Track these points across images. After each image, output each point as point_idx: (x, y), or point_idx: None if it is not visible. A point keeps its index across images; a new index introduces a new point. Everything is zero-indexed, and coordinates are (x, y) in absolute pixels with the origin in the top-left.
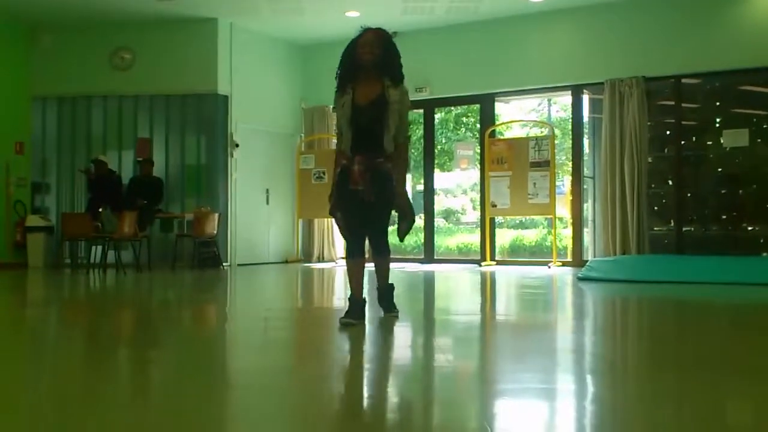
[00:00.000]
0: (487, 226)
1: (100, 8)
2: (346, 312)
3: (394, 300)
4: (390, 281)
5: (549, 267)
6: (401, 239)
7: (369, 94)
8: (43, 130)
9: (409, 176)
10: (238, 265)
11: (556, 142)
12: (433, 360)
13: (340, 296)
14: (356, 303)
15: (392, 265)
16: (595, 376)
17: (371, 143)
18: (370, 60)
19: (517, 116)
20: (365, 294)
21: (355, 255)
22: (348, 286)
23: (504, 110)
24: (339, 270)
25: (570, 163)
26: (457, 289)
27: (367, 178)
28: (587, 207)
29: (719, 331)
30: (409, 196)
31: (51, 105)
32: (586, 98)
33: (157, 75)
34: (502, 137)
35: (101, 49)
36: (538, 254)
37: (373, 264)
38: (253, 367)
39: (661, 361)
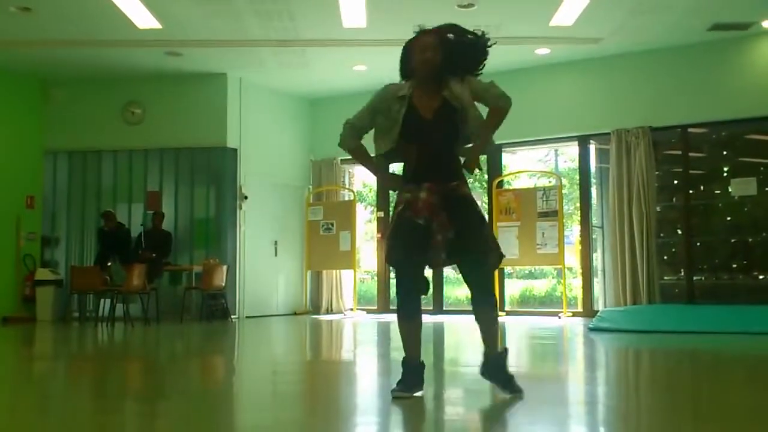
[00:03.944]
0: (496, 277)
1: (111, 64)
2: (400, 380)
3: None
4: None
5: (559, 317)
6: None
7: (431, 103)
8: (53, 184)
9: None
10: (247, 317)
11: (564, 191)
12: (443, 413)
13: (349, 349)
14: (414, 369)
15: (392, 317)
16: (609, 428)
17: (441, 168)
18: (429, 70)
19: (524, 166)
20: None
21: (415, 315)
22: (402, 347)
23: (511, 160)
24: (348, 322)
25: (578, 213)
26: (467, 340)
27: (439, 208)
28: (596, 256)
29: (734, 381)
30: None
31: (62, 159)
32: (592, 148)
33: (167, 129)
34: (509, 187)
35: (112, 104)
36: (548, 304)
37: (476, 319)
38: (261, 422)
39: (675, 412)
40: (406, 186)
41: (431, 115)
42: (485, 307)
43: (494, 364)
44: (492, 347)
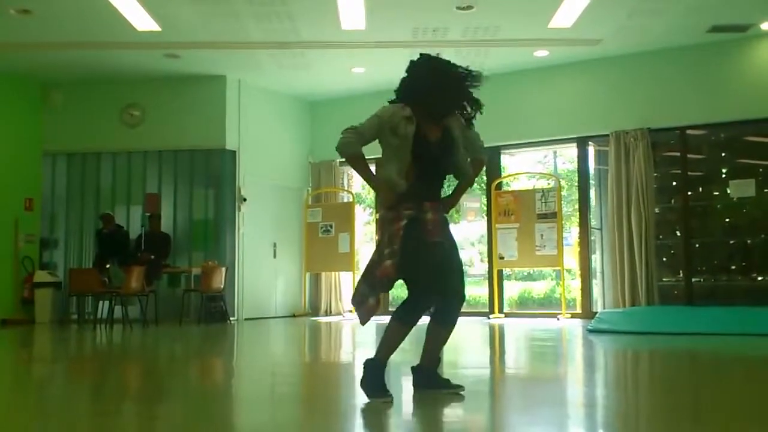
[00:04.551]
0: (495, 279)
1: (110, 66)
2: (374, 387)
3: None
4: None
5: (558, 319)
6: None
7: (435, 130)
8: (52, 186)
9: None
10: (245, 319)
11: (563, 193)
12: (442, 414)
13: (348, 350)
14: (383, 369)
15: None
16: (608, 429)
17: (437, 189)
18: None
19: (523, 168)
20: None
21: (415, 321)
22: (382, 350)
23: (510, 162)
24: (346, 324)
25: (577, 215)
26: (466, 342)
27: (441, 228)
28: (595, 258)
29: (732, 382)
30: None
31: (61, 161)
32: (591, 150)
33: (166, 131)
34: (508, 189)
35: (111, 106)
36: (546, 306)
37: (432, 332)
38: (260, 423)
39: (674, 413)
40: (404, 203)
41: (435, 139)
42: (450, 327)
43: (435, 373)
44: (437, 355)
